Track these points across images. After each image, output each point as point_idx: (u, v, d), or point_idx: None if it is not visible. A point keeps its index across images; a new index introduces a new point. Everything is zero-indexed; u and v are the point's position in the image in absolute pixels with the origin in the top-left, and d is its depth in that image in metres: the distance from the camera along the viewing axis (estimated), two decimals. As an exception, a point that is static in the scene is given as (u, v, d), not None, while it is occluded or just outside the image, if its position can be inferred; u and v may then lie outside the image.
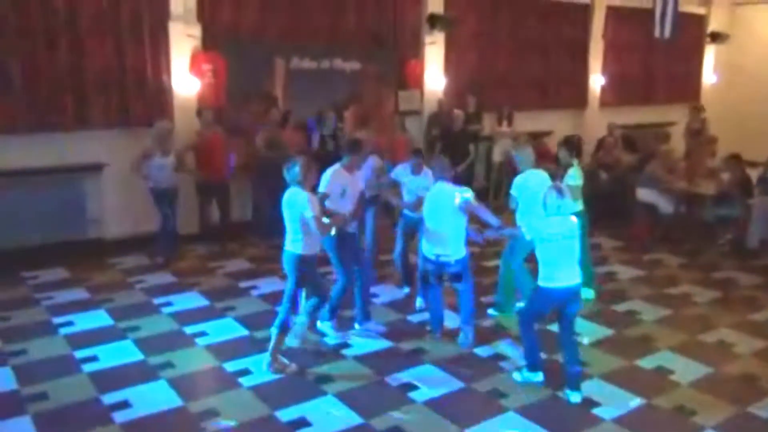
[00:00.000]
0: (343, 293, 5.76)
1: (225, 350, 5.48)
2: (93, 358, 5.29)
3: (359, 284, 5.84)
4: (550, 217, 4.76)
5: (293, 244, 5.10)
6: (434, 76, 10.48)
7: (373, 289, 6.47)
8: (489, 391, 4.90)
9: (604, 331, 6.00)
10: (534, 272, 5.13)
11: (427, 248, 5.59)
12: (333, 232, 5.37)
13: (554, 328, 5.53)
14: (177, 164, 7.55)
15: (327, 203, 5.38)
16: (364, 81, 9.76)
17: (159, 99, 8.19)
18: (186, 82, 8.22)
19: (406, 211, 6.62)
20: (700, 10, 14.10)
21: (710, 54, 14.58)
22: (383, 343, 5.67)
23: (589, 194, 6.63)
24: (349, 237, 5.69)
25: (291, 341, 5.41)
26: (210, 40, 8.38)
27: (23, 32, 7.29)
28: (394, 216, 7.56)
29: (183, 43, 8.17)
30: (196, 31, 8.24)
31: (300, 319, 5.51)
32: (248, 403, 4.70)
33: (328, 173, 5.56)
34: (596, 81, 12.59)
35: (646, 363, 5.40)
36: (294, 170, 4.99)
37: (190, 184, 8.12)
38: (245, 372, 5.11)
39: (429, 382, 5.00)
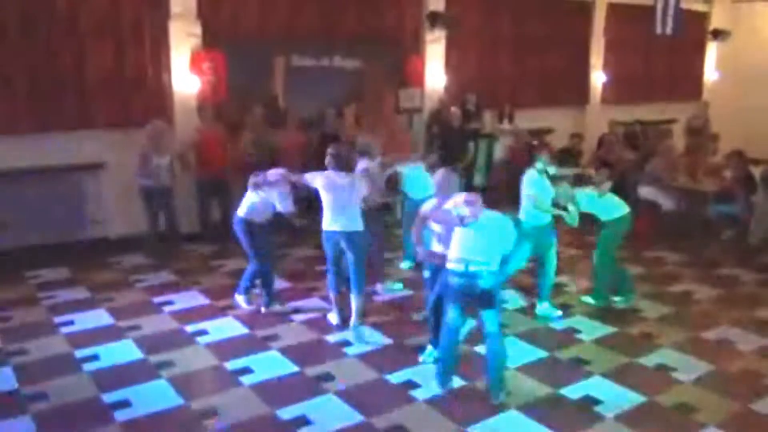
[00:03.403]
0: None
1: (226, 349, 5.48)
2: (94, 357, 5.29)
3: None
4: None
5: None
6: (435, 73, 10.45)
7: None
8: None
9: (605, 329, 5.98)
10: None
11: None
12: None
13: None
14: (174, 164, 7.53)
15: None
16: (364, 79, 9.74)
17: (159, 98, 8.20)
18: (186, 80, 8.21)
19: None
20: (702, 7, 14.08)
21: (712, 51, 14.56)
22: (385, 341, 5.67)
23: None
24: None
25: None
26: (210, 39, 8.35)
27: (24, 33, 7.29)
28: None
29: (183, 41, 8.16)
30: (196, 29, 8.22)
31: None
32: (249, 401, 4.70)
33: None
34: (597, 78, 12.57)
35: (648, 360, 5.38)
36: None
37: (191, 182, 8.11)
38: (246, 370, 5.10)
39: (430, 381, 4.97)
